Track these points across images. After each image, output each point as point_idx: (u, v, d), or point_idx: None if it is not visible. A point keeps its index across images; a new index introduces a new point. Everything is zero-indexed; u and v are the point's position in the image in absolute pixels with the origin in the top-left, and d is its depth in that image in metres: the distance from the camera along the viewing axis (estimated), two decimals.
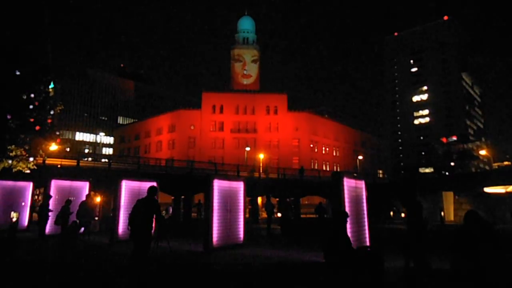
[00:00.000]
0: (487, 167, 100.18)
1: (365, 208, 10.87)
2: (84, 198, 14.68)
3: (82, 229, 13.99)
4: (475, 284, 4.49)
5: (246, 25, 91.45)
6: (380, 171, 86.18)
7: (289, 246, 13.93)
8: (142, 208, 7.20)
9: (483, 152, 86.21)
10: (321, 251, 7.01)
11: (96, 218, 19.42)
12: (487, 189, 37.66)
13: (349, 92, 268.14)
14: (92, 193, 16.34)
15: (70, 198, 14.33)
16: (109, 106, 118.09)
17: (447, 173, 70.49)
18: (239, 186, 13.30)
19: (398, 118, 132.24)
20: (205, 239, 11.60)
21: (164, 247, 10.53)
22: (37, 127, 17.30)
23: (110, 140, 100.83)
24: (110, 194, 26.96)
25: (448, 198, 39.57)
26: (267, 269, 9.27)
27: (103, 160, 46.06)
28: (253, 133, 68.10)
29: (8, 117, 16.10)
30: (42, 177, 17.71)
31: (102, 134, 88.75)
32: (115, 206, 14.03)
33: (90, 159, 45.61)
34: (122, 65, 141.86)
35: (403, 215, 36.15)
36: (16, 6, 16.98)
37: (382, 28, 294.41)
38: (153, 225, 7.56)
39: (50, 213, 14.79)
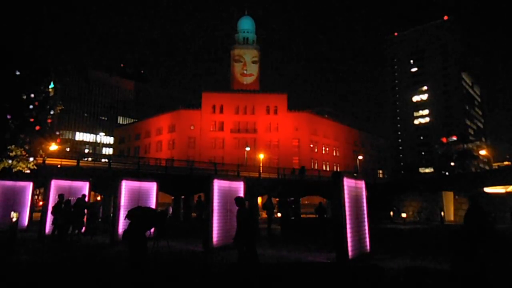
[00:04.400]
0: (487, 167, 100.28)
1: (365, 208, 10.88)
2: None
3: (83, 228, 13.97)
4: (475, 284, 4.49)
5: (246, 25, 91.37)
6: (380, 171, 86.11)
7: (289, 246, 13.92)
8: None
9: (483, 152, 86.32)
10: (321, 251, 7.01)
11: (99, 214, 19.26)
12: (487, 189, 37.68)
13: (349, 92, 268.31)
14: (92, 193, 16.33)
15: (69, 198, 14.31)
16: (109, 106, 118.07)
17: (447, 173, 70.50)
18: (239, 186, 13.32)
19: (398, 118, 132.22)
20: (205, 239, 11.61)
21: (163, 246, 10.53)
22: (37, 127, 17.33)
23: (110, 140, 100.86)
24: (110, 194, 27.01)
25: (448, 198, 39.60)
26: (267, 269, 9.26)
27: (103, 160, 46.11)
28: (253, 133, 68.08)
29: (8, 117, 16.12)
30: (42, 177, 17.70)
31: (102, 134, 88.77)
32: (115, 206, 14.02)
33: (90, 159, 45.69)
34: (122, 65, 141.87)
35: (404, 215, 36.15)
36: (17, 7, 16.99)
37: (382, 28, 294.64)
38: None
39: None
